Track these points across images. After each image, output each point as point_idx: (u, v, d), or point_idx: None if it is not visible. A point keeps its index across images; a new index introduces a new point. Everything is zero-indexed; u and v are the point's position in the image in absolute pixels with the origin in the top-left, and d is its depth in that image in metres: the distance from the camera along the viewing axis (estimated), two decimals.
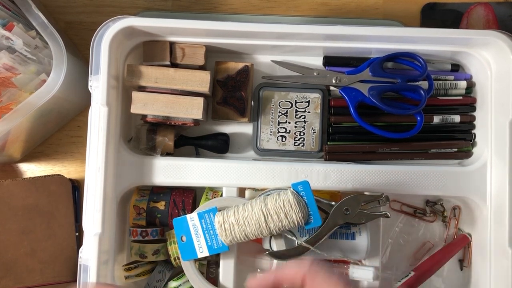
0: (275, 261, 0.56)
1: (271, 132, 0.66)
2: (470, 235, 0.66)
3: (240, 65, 0.65)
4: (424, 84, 0.64)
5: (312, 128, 0.66)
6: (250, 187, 0.63)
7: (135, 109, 0.62)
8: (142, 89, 0.62)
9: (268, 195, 0.55)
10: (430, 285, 0.66)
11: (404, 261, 0.67)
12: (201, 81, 0.61)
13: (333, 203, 0.57)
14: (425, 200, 0.68)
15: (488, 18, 0.71)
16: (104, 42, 0.59)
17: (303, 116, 0.66)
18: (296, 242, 0.56)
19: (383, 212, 0.57)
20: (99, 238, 0.58)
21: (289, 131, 0.66)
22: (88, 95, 0.60)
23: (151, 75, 0.61)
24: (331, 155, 0.65)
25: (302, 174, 0.62)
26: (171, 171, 0.63)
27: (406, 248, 0.67)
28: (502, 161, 0.61)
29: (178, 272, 0.64)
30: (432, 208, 0.67)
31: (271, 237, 0.57)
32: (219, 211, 0.56)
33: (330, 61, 0.66)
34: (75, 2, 0.72)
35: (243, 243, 0.57)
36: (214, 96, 0.66)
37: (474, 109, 0.66)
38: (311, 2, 0.72)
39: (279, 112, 0.66)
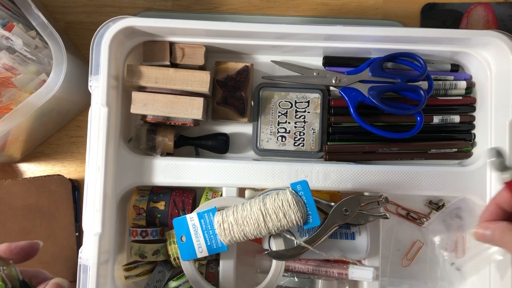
0: (274, 261, 0.56)
1: (271, 132, 0.66)
2: None
3: (240, 65, 0.65)
4: (424, 84, 0.64)
5: (312, 128, 0.66)
6: (250, 187, 0.63)
7: (135, 109, 0.62)
8: (142, 89, 0.62)
9: (267, 195, 0.55)
10: (428, 285, 0.66)
11: (396, 265, 0.67)
12: (201, 81, 0.61)
13: (332, 203, 0.57)
14: (428, 201, 0.67)
15: (488, 18, 0.71)
16: (104, 42, 0.59)
17: (303, 116, 0.66)
18: (295, 242, 0.56)
19: (383, 213, 0.57)
20: (99, 238, 0.58)
21: (289, 131, 0.66)
22: (88, 95, 0.60)
23: (151, 75, 0.61)
24: (331, 155, 0.65)
25: (302, 174, 0.62)
26: (171, 171, 0.63)
27: (396, 250, 0.67)
28: None
29: (178, 272, 0.64)
30: (431, 206, 0.67)
31: (270, 237, 0.57)
32: (219, 211, 0.56)
33: (330, 61, 0.66)
34: (75, 2, 0.72)
35: (243, 243, 0.57)
36: (214, 96, 0.66)
37: (474, 109, 0.66)
38: (311, 2, 0.72)
39: (279, 112, 0.66)
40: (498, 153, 0.51)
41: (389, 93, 0.65)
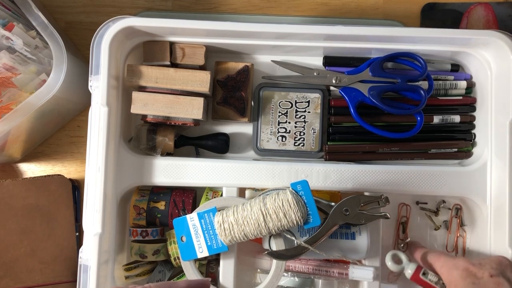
0: (274, 261, 0.56)
1: (271, 132, 0.66)
2: None
3: (240, 65, 0.65)
4: (424, 84, 0.64)
5: (312, 128, 0.66)
6: (250, 187, 0.63)
7: (135, 109, 0.62)
8: (142, 89, 0.62)
9: (268, 195, 0.55)
10: None
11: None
12: (201, 81, 0.61)
13: (332, 203, 0.57)
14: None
15: (488, 18, 0.71)
16: (104, 42, 0.59)
17: (303, 116, 0.66)
18: (296, 242, 0.56)
19: (383, 213, 0.57)
20: (99, 238, 0.58)
21: (289, 131, 0.66)
22: (88, 95, 0.60)
23: (151, 75, 0.61)
24: (331, 155, 0.65)
25: (302, 174, 0.62)
26: (171, 171, 0.63)
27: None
28: (502, 161, 0.61)
29: (178, 272, 0.64)
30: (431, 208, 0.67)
31: (270, 237, 0.57)
32: (219, 211, 0.56)
33: (330, 61, 0.66)
34: (75, 2, 0.72)
35: (243, 243, 0.57)
36: (214, 96, 0.66)
37: (474, 109, 0.66)
38: (311, 2, 0.72)
39: (279, 112, 0.66)
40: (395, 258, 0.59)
41: (389, 93, 0.65)
